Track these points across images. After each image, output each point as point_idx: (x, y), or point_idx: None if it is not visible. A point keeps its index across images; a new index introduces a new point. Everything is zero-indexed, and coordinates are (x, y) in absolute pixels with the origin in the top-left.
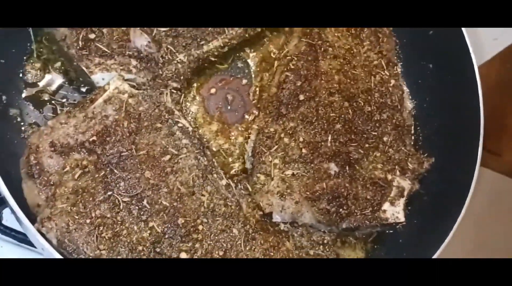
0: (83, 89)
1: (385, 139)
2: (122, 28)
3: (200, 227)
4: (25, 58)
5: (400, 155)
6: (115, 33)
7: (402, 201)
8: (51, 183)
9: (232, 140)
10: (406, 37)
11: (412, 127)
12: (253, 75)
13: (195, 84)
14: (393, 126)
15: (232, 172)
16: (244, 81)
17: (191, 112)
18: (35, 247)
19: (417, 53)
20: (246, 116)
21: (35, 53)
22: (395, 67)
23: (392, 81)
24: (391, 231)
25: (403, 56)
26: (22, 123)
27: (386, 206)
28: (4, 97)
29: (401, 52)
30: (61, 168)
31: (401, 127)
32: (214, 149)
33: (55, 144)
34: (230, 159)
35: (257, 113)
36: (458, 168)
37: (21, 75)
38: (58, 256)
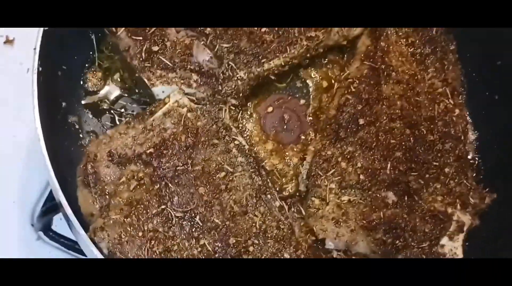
0: (142, 101)
1: (446, 170)
2: (185, 42)
3: (251, 249)
4: (87, 66)
5: (461, 188)
6: (178, 46)
7: (461, 236)
8: (106, 193)
9: (286, 161)
10: (472, 66)
11: (474, 159)
12: (311, 96)
13: (252, 102)
14: (455, 158)
15: (285, 193)
16: (302, 101)
17: (247, 130)
18: (83, 255)
19: (482, 83)
20: (302, 137)
21: (96, 61)
22: (460, 96)
23: (457, 111)
24: None
25: (468, 85)
26: (80, 131)
27: (444, 240)
28: (64, 104)
29: (466, 81)
30: (117, 179)
31: (463, 159)
32: (268, 168)
33: (113, 154)
34: (283, 180)
35: (313, 134)
36: None
37: (81, 83)
38: None
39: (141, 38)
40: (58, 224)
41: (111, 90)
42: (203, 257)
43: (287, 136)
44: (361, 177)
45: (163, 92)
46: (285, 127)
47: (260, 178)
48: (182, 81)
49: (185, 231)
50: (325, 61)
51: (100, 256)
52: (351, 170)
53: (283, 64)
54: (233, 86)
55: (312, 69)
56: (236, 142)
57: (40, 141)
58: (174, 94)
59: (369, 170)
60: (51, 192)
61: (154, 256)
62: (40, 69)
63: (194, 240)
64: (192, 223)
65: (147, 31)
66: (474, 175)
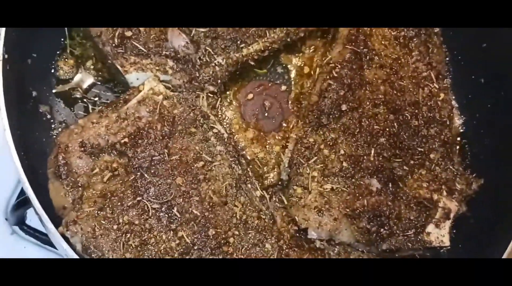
0: (117, 89)
1: (432, 156)
2: None
3: (231, 240)
4: (58, 53)
5: (447, 174)
6: (153, 31)
7: (447, 223)
8: (79, 184)
9: (268, 149)
10: (458, 49)
11: (460, 144)
12: (293, 82)
13: (232, 89)
14: (441, 143)
15: (267, 182)
16: (283, 88)
17: (226, 118)
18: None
19: (468, 66)
20: (284, 124)
21: (68, 49)
22: (445, 80)
23: (442, 95)
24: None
25: (453, 69)
26: (52, 121)
27: (430, 228)
28: (34, 93)
29: (451, 64)
30: (90, 170)
31: (449, 144)
32: (248, 157)
33: (85, 144)
34: (265, 169)
35: (295, 122)
36: (508, 191)
37: (53, 71)
38: None
39: None
40: (33, 218)
41: (84, 78)
42: (182, 250)
43: (269, 123)
44: (344, 164)
45: (137, 79)
46: (266, 114)
47: (240, 167)
48: (157, 68)
49: (162, 223)
50: (307, 46)
51: (69, 249)
52: (334, 158)
53: (262, 49)
54: (210, 72)
55: (294, 54)
56: (215, 131)
57: (6, 131)
58: (149, 81)
59: (352, 157)
60: None
61: (130, 249)
62: (6, 56)
63: (171, 232)
64: (169, 214)
65: None
66: (461, 160)
